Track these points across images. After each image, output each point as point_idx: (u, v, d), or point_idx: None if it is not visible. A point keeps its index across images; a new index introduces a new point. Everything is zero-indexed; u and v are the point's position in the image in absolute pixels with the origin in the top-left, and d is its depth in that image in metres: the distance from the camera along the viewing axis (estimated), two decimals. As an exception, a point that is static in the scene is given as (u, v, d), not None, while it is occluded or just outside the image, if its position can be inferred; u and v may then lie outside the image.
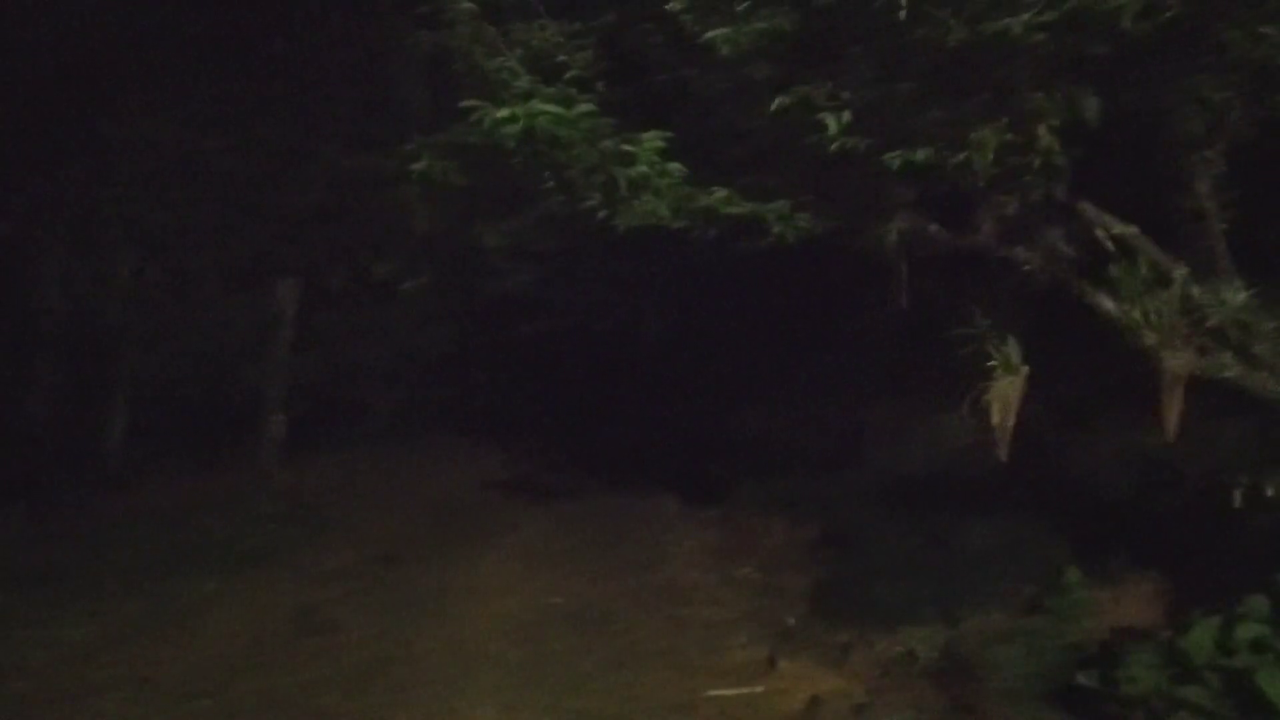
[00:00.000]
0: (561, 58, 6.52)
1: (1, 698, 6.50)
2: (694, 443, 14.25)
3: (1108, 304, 6.18)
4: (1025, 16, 4.47)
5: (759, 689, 7.17)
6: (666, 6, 5.46)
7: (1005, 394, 6.39)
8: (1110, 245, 6.11)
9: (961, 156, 5.30)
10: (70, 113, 10.71)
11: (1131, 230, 6.15)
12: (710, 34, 5.27)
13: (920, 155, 5.30)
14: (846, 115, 5.26)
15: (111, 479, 12.22)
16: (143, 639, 7.50)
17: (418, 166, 7.86)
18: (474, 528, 11.65)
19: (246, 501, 11.73)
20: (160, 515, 11.06)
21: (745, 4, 5.29)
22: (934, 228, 6.47)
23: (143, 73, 10.87)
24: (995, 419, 6.44)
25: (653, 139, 5.80)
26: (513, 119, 5.62)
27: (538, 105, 5.61)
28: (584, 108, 5.84)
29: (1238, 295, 6.00)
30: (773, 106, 5.35)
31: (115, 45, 10.51)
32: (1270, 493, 6.40)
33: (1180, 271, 6.09)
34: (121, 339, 12.32)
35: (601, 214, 6.30)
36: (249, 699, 6.52)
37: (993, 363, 6.45)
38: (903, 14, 4.52)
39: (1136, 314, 6.13)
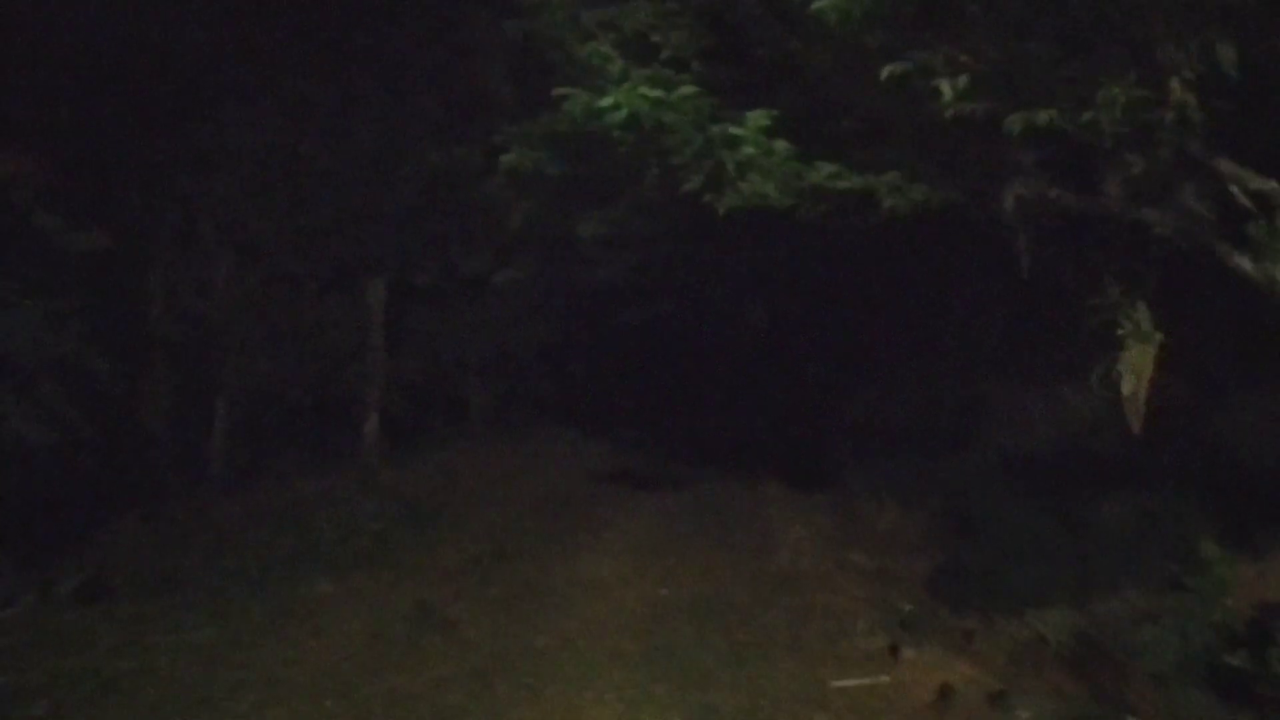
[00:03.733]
0: (655, 38, 6.37)
1: (134, 705, 6.57)
2: (800, 427, 14.03)
3: (1246, 264, 5.83)
4: (1168, -35, 4.19)
5: (885, 678, 6.99)
6: (771, -22, 5.26)
7: (1137, 363, 6.09)
8: (1248, 202, 5.75)
9: (1088, 116, 5.01)
10: (168, 124, 10.89)
11: (1272, 186, 5.78)
12: (818, 3, 5.05)
13: (1043, 117, 5.03)
14: (963, 80, 5.01)
15: (219, 482, 12.42)
16: (267, 641, 7.57)
17: (507, 158, 7.76)
18: (580, 520, 11.61)
19: (352, 501, 11.83)
20: (270, 517, 11.18)
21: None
22: (1054, 192, 6.17)
23: (238, 81, 11.00)
24: (1127, 389, 6.16)
25: (758, 117, 5.61)
26: (615, 106, 5.47)
27: (640, 90, 5.45)
28: (685, 90, 5.68)
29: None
30: (884, 74, 5.13)
31: (210, 56, 10.64)
32: None
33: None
34: (224, 344, 12.51)
35: (706, 197, 6.14)
36: (376, 698, 6.54)
37: (1122, 331, 6.15)
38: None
39: (1278, 274, 5.78)
